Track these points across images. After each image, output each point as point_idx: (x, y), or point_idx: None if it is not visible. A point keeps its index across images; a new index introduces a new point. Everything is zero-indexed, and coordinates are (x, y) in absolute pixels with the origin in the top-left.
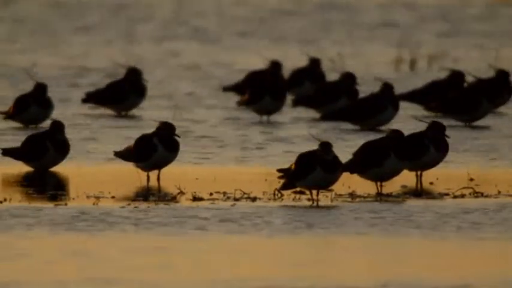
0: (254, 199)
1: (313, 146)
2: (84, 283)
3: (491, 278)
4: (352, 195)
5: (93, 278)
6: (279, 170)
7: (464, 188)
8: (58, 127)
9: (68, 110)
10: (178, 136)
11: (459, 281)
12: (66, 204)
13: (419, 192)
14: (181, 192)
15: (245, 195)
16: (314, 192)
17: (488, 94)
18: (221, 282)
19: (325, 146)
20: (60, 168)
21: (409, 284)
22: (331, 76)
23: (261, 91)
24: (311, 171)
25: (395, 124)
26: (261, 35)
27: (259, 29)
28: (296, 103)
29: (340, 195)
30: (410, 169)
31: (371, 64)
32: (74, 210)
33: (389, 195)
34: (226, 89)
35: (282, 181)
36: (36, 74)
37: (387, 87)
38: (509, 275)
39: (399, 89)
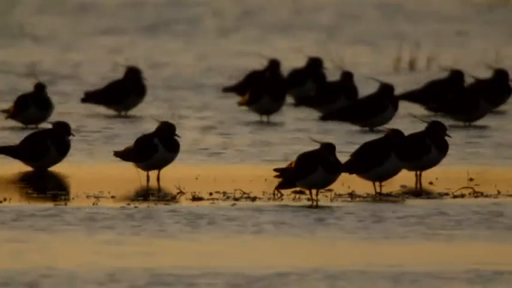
0: (254, 199)
1: (314, 146)
2: (84, 282)
3: (491, 277)
4: (352, 195)
5: (91, 276)
6: (276, 170)
7: (464, 188)
8: (64, 128)
9: (67, 109)
10: (179, 136)
11: (458, 280)
12: (66, 204)
13: (419, 192)
14: (181, 192)
15: (245, 195)
16: (314, 192)
17: (487, 94)
18: (222, 281)
19: (329, 147)
20: (60, 168)
21: (409, 282)
22: (332, 76)
23: (260, 91)
24: (313, 171)
25: (395, 124)
26: (262, 33)
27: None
28: (298, 103)
29: (340, 195)
30: (410, 169)
31: (371, 64)
32: (74, 209)
33: (389, 195)
34: (227, 89)
35: (279, 180)
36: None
37: (387, 87)
38: (505, 273)
39: (399, 89)
